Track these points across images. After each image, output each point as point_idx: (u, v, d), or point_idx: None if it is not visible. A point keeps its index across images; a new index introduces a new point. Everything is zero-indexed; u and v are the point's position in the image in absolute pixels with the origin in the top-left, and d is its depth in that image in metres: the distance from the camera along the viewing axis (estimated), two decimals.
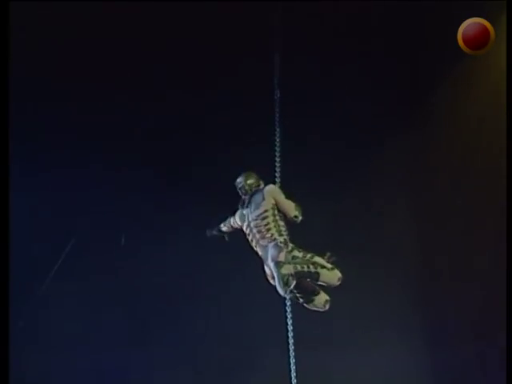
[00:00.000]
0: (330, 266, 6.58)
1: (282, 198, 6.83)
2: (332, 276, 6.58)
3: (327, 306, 6.70)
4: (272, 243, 6.66)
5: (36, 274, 8.99)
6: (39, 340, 9.03)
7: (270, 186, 6.94)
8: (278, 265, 6.51)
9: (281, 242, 6.62)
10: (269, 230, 6.70)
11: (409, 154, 9.21)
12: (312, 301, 6.66)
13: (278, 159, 7.46)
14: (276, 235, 6.67)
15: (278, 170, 7.45)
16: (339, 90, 8.86)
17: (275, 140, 7.47)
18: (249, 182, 7.01)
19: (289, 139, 7.56)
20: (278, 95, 7.55)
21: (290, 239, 6.73)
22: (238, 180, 7.08)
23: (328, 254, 6.61)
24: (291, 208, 6.80)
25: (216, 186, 8.69)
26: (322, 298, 6.69)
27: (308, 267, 6.53)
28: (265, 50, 7.85)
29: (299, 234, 6.91)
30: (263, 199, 6.79)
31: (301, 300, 6.74)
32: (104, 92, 8.89)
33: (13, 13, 7.02)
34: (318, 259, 6.59)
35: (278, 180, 7.39)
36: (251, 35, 8.48)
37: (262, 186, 6.98)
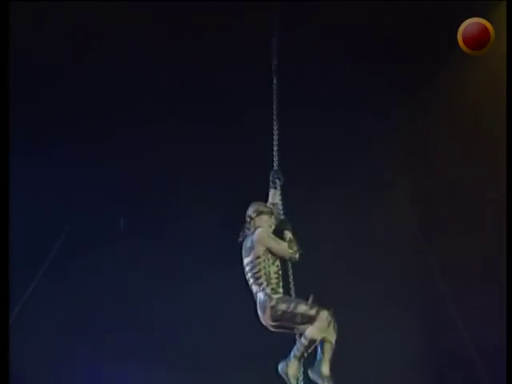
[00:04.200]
0: (313, 312, 6.34)
1: (272, 243, 6.55)
2: (318, 325, 6.33)
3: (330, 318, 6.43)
4: (261, 292, 6.48)
5: (35, 271, 9.06)
6: (39, 338, 9.08)
7: (259, 234, 6.58)
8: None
9: (266, 294, 6.43)
10: (259, 277, 6.49)
11: (408, 153, 9.26)
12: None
13: (275, 148, 7.22)
14: (264, 284, 6.48)
15: (275, 159, 7.21)
16: (339, 89, 8.89)
17: (273, 133, 7.37)
18: (248, 212, 6.79)
19: (287, 134, 7.52)
20: (275, 82, 7.44)
21: (278, 284, 6.50)
22: None
23: (311, 296, 6.41)
24: (284, 251, 6.55)
25: (214, 181, 8.91)
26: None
27: (294, 322, 6.39)
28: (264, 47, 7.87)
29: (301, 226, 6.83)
30: (253, 247, 6.56)
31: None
32: (103, 89, 8.92)
33: (13, 13, 7.05)
34: (301, 308, 6.37)
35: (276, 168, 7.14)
36: (251, 34, 8.51)
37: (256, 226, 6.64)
